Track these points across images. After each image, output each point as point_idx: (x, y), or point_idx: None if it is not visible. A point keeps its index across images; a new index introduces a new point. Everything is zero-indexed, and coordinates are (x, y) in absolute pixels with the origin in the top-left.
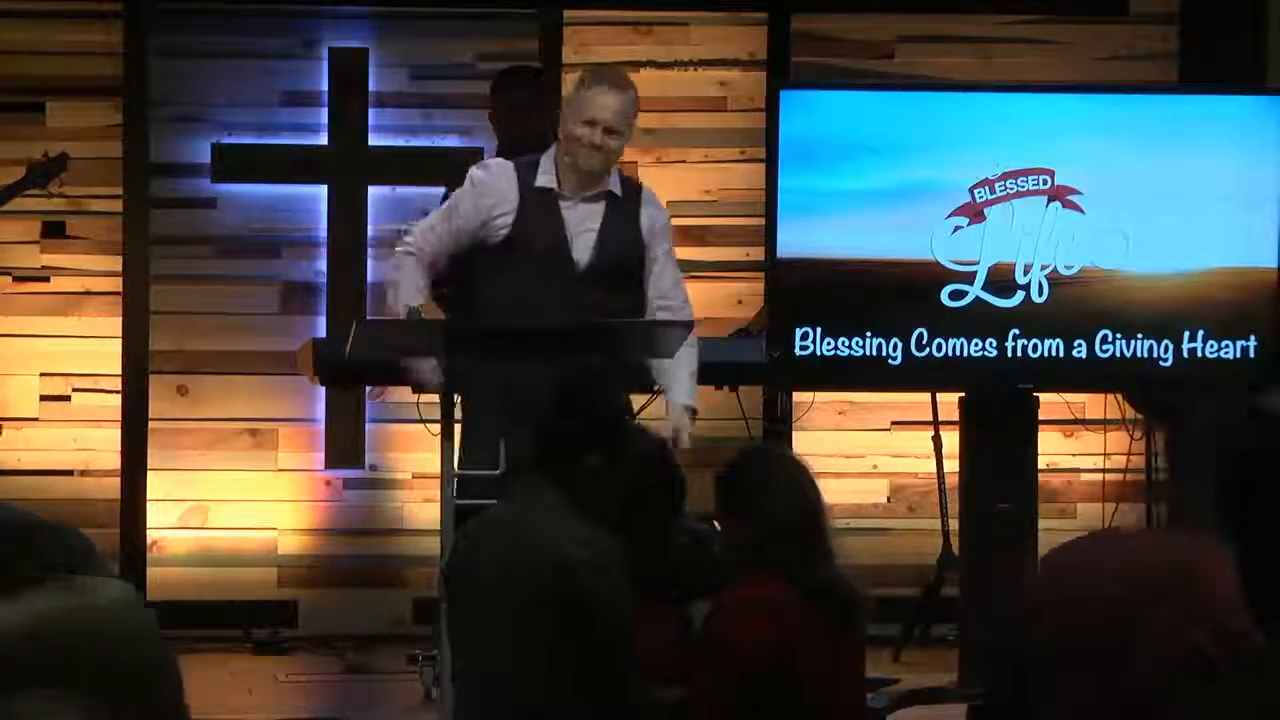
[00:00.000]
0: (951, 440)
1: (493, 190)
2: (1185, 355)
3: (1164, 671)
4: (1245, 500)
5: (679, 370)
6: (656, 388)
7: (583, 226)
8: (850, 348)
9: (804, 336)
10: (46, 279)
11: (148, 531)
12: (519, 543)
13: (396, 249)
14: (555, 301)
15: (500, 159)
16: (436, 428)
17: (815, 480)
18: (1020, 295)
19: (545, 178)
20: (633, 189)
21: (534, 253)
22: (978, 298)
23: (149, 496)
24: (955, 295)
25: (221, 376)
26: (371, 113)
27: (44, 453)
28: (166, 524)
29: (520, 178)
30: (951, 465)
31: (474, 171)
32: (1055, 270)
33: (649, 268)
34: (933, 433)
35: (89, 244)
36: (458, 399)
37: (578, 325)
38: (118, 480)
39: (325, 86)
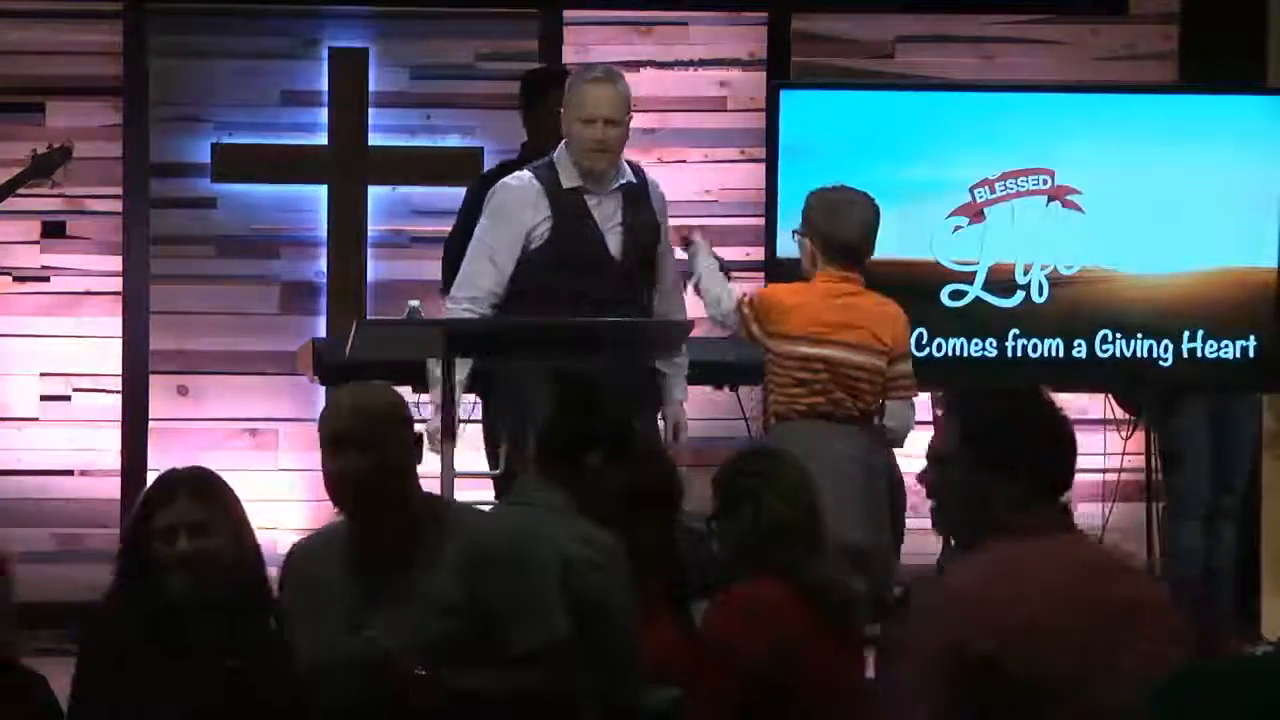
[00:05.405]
0: None
1: (525, 205)
2: (1185, 355)
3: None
4: None
5: (677, 367)
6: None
7: (612, 221)
8: None
9: None
10: (46, 279)
11: None
12: None
13: (449, 311)
14: (600, 299)
15: (517, 174)
16: None
17: (813, 480)
18: (1020, 295)
19: (569, 178)
20: (640, 173)
21: (574, 254)
22: (978, 298)
23: None
24: (955, 295)
25: (221, 376)
26: (371, 113)
27: (44, 453)
28: None
29: (544, 183)
30: None
31: (497, 198)
32: (1055, 270)
33: (658, 255)
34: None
35: (89, 244)
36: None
37: (590, 324)
38: (118, 480)
39: (325, 86)
